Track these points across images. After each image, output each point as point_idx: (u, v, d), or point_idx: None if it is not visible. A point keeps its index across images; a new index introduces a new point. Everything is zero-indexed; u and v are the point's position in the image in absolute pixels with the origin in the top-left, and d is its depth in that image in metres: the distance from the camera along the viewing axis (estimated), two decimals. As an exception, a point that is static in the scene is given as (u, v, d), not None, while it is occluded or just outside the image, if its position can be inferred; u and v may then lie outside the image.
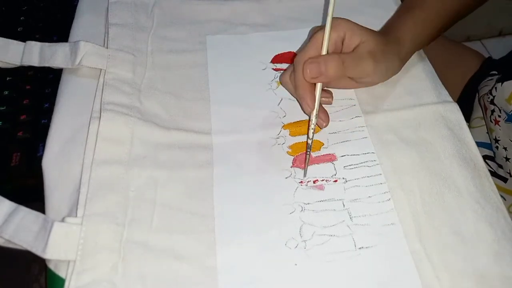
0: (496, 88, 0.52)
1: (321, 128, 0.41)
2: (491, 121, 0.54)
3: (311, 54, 0.39)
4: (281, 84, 0.44)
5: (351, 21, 0.41)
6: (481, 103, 0.57)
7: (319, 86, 0.39)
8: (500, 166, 0.55)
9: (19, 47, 0.45)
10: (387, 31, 0.44)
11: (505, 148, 0.54)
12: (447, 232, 0.35)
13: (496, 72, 0.59)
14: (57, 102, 0.42)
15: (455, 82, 0.66)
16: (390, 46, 0.42)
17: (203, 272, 0.33)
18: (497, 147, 0.55)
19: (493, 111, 0.53)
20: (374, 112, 0.42)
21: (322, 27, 0.40)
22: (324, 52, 0.39)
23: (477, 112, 0.61)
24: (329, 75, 0.38)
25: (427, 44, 0.46)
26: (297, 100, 0.42)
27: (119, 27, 0.47)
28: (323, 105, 0.42)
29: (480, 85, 0.60)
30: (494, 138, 0.55)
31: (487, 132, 0.58)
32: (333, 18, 0.39)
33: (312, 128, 0.39)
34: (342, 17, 0.41)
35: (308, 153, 0.38)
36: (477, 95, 0.61)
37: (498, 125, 0.53)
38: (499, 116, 0.53)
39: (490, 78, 0.59)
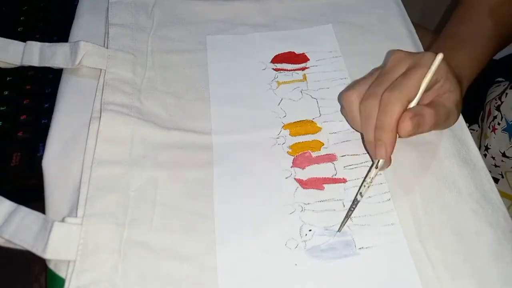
0: (506, 94, 0.52)
1: (382, 170, 0.37)
2: (489, 127, 0.54)
3: (411, 96, 0.35)
4: (342, 102, 0.39)
5: (446, 63, 0.37)
6: (486, 109, 0.57)
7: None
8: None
9: (19, 47, 0.45)
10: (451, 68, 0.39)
11: (493, 157, 0.54)
12: (447, 232, 0.35)
13: (503, 79, 0.59)
14: (57, 102, 0.42)
15: None
16: (460, 90, 0.39)
17: (203, 272, 0.33)
18: (485, 155, 0.54)
19: (495, 117, 0.53)
20: (374, 112, 0.42)
21: (418, 67, 0.35)
22: (415, 103, 0.35)
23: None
24: (423, 131, 0.35)
25: None
26: (357, 129, 0.39)
27: (119, 27, 0.47)
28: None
29: (488, 91, 0.59)
30: (485, 145, 0.55)
31: (478, 138, 0.58)
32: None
33: (372, 177, 0.35)
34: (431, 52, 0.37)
35: (353, 209, 0.35)
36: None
37: (494, 132, 0.53)
38: (499, 124, 0.53)
39: (497, 84, 0.59)
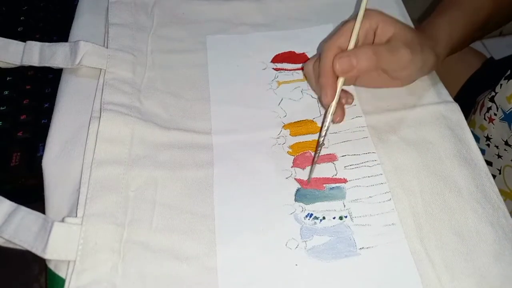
0: (501, 85, 0.52)
1: (333, 122, 0.40)
2: (485, 118, 0.54)
3: (341, 42, 0.38)
4: (303, 74, 0.43)
5: (384, 12, 0.39)
6: (478, 103, 0.57)
7: (341, 79, 0.38)
8: (489, 164, 0.55)
9: (19, 47, 0.44)
10: (422, 29, 0.42)
11: (496, 146, 0.53)
12: (448, 232, 0.35)
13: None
14: (57, 102, 0.42)
15: (456, 81, 0.65)
16: (424, 40, 0.40)
17: (203, 272, 0.33)
18: (488, 145, 0.54)
19: (489, 108, 0.53)
20: (374, 112, 0.42)
21: (353, 18, 0.39)
22: (351, 46, 0.38)
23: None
24: (362, 68, 0.36)
25: (461, 48, 0.46)
26: (315, 91, 0.42)
27: (119, 27, 0.47)
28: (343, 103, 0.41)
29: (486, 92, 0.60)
30: (485, 136, 0.55)
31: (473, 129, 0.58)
32: (366, 10, 0.38)
33: (326, 126, 0.38)
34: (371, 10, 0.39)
35: (318, 152, 0.38)
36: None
37: (492, 123, 0.53)
38: (495, 115, 0.52)
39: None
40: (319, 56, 0.39)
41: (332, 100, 0.38)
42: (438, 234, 0.35)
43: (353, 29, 0.38)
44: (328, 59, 0.37)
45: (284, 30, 0.50)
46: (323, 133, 0.38)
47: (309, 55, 0.47)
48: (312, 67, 0.40)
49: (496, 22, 0.50)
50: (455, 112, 0.42)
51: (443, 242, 0.34)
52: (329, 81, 0.37)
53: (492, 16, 0.48)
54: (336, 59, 0.37)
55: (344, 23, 0.39)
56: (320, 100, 0.40)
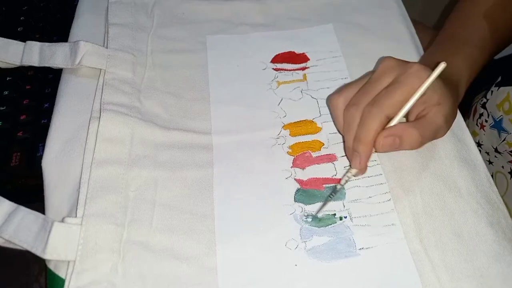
0: (492, 91, 0.52)
1: (355, 176, 0.37)
2: (477, 124, 0.54)
3: (389, 112, 0.35)
4: (329, 105, 0.40)
5: (427, 72, 0.36)
6: (472, 107, 0.57)
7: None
8: None
9: (19, 47, 0.45)
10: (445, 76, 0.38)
11: (487, 153, 0.54)
12: (448, 233, 0.35)
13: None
14: (57, 102, 0.42)
15: None
16: (454, 97, 0.39)
17: (203, 272, 0.33)
18: (479, 151, 0.55)
19: (481, 114, 0.53)
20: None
21: (398, 68, 0.36)
22: (394, 122, 0.36)
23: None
24: (404, 148, 0.35)
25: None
26: (338, 130, 0.40)
27: (119, 27, 0.47)
28: None
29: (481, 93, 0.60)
30: (477, 142, 0.55)
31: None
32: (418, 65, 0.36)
33: (347, 180, 0.36)
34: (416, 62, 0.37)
35: (330, 198, 0.36)
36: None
37: (483, 129, 0.53)
38: (486, 121, 0.53)
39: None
40: (352, 104, 0.36)
41: (365, 169, 0.36)
42: (437, 235, 0.35)
43: (402, 101, 0.35)
44: (374, 129, 0.35)
45: (284, 30, 0.50)
46: (343, 182, 0.36)
47: (309, 55, 0.47)
48: (343, 109, 0.37)
49: (503, 44, 0.49)
50: (454, 112, 0.42)
51: (442, 243, 0.34)
52: (368, 151, 0.35)
53: (497, 44, 0.47)
54: (381, 138, 0.35)
55: (394, 85, 0.35)
56: (348, 157, 0.38)
